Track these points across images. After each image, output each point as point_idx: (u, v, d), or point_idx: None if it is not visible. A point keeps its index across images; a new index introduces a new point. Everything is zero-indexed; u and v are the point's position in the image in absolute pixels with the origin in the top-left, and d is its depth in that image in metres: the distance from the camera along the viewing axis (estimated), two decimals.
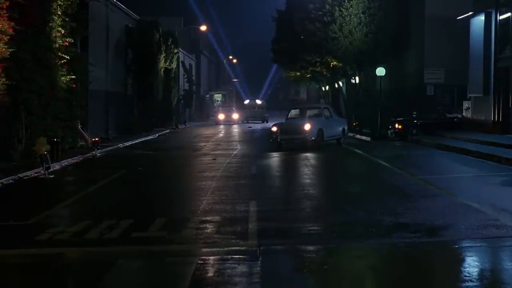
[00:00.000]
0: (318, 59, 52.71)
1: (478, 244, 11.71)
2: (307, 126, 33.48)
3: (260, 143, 40.97)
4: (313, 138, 33.35)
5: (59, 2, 30.49)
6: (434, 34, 42.57)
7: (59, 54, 30.81)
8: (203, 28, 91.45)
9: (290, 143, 34.35)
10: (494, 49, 36.78)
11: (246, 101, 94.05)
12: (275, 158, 29.78)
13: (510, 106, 35.16)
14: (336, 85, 62.04)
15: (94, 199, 18.83)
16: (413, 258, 10.88)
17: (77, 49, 35.47)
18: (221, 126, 71.61)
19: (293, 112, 37.83)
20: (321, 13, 48.51)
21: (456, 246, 11.65)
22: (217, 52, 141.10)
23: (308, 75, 62.84)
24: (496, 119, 36.73)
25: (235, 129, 63.00)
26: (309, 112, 36.85)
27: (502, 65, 36.15)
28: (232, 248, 11.71)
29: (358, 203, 16.26)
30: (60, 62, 30.94)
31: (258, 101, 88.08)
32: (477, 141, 32.03)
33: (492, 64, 36.99)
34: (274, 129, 37.88)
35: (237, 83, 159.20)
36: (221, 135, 53.19)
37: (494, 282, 9.46)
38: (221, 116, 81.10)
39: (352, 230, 13.02)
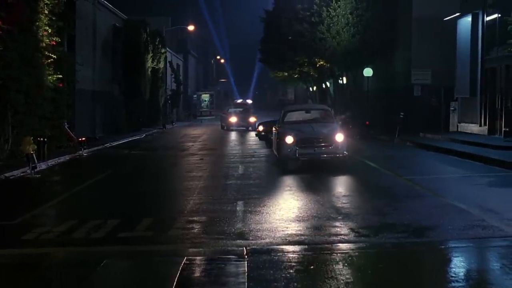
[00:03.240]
0: (306, 60, 52.78)
1: (465, 245, 11.74)
2: (340, 137, 23.28)
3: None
4: (345, 153, 23.18)
5: (46, 1, 30.32)
6: (421, 35, 42.61)
7: (46, 53, 30.65)
8: (191, 28, 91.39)
9: (310, 159, 23.56)
10: (481, 50, 36.85)
11: (239, 101, 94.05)
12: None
13: (497, 107, 35.25)
14: (324, 86, 62.10)
15: (80, 199, 18.76)
16: (400, 259, 10.88)
17: (64, 48, 35.32)
18: (219, 130, 62.85)
19: (296, 115, 26.40)
20: (308, 13, 48.59)
21: (443, 247, 11.68)
22: (205, 52, 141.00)
23: (296, 76, 62.91)
24: (483, 120, 36.82)
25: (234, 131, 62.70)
26: (320, 115, 26.30)
27: (489, 66, 36.25)
28: (219, 248, 11.70)
29: (344, 204, 16.27)
30: (47, 61, 30.78)
31: (249, 101, 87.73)
32: (464, 141, 32.10)
33: (479, 65, 37.05)
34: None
35: (225, 83, 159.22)
36: (208, 136, 53.07)
37: (481, 283, 9.48)
38: (233, 119, 59.65)
39: (339, 230, 13.01)
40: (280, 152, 24.08)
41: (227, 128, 59.75)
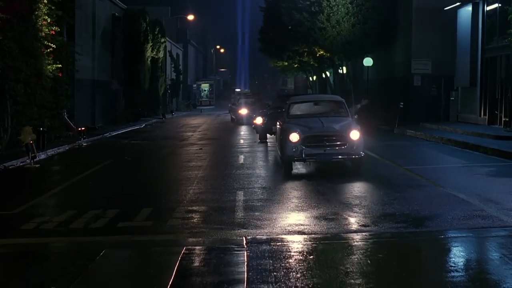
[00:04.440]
0: (306, 49, 52.62)
1: (464, 235, 11.73)
2: (355, 134, 19.39)
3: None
4: (361, 153, 19.52)
5: None
6: (422, 24, 42.49)
7: (45, 43, 30.63)
8: (191, 17, 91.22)
9: (318, 161, 20.55)
10: (481, 40, 36.81)
11: (238, 89, 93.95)
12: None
13: (497, 97, 35.20)
14: (324, 75, 62.00)
15: (80, 188, 18.75)
16: (399, 248, 10.88)
17: (64, 38, 35.27)
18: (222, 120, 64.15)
19: (303, 107, 22.39)
20: (308, 3, 48.41)
21: (442, 236, 11.67)
22: (205, 41, 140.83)
23: (296, 65, 62.78)
24: (483, 110, 36.79)
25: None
26: (332, 107, 22.15)
27: (489, 56, 36.19)
28: (218, 237, 11.70)
29: (344, 193, 16.28)
30: (46, 51, 30.77)
31: (247, 90, 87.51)
32: (464, 131, 32.09)
33: (479, 55, 37.01)
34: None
35: (224, 73, 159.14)
36: (208, 126, 53.03)
37: (480, 272, 9.47)
38: (243, 111, 51.37)
39: (339, 220, 13.01)
40: (283, 152, 20.03)
41: (238, 121, 51.91)
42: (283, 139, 20.16)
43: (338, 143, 19.26)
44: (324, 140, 19.31)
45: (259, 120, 33.81)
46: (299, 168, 21.39)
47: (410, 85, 42.63)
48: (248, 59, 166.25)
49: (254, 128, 35.55)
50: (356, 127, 19.68)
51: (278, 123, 22.96)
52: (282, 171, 20.37)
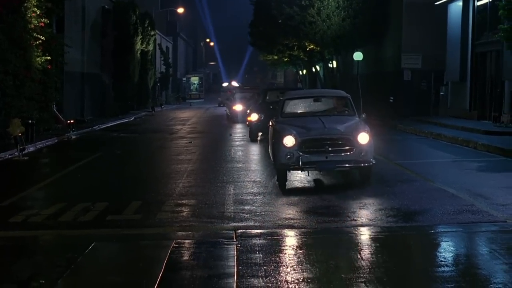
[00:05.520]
0: (296, 43, 52.53)
1: (454, 229, 11.73)
2: (364, 137, 16.02)
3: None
4: (372, 161, 16.10)
5: None
6: (412, 19, 42.48)
7: (35, 35, 30.46)
8: (180, 10, 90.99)
9: (319, 170, 17.03)
10: (472, 35, 36.86)
11: (225, 84, 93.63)
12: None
13: (487, 92, 35.27)
14: (314, 69, 61.97)
15: (69, 181, 18.68)
16: (389, 243, 10.85)
17: (53, 30, 35.07)
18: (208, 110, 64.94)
19: (301, 105, 18.95)
20: None
21: (432, 231, 11.67)
22: (195, 35, 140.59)
23: (286, 59, 62.62)
24: (473, 105, 36.85)
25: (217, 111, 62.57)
26: (335, 104, 18.70)
27: (479, 51, 36.24)
28: (208, 231, 11.67)
29: (334, 188, 16.27)
30: (35, 43, 30.60)
31: (235, 84, 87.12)
32: (454, 126, 32.11)
33: (469, 50, 37.07)
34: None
35: (214, 66, 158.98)
36: (197, 119, 52.96)
37: (470, 267, 9.47)
38: (238, 107, 44.30)
39: (329, 214, 12.99)
40: (275, 159, 16.50)
41: (232, 118, 45.53)
42: (275, 143, 16.64)
43: (343, 148, 15.83)
44: (326, 144, 15.77)
45: (254, 117, 29.53)
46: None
47: (400, 79, 42.64)
48: (238, 53, 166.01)
49: (248, 126, 31.14)
50: (364, 128, 16.24)
51: (270, 123, 19.21)
52: (273, 182, 16.96)
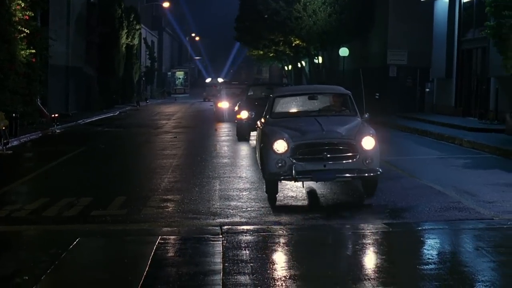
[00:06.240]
0: (282, 38, 52.53)
1: (441, 227, 11.69)
2: (369, 142, 13.79)
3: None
4: (378, 170, 13.77)
5: None
6: (398, 15, 42.47)
7: (19, 27, 30.23)
8: (166, 4, 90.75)
9: (316, 181, 14.59)
10: (458, 32, 36.88)
11: (208, 79, 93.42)
12: None
13: (472, 89, 35.31)
14: (299, 65, 61.94)
15: (53, 176, 18.52)
16: (376, 240, 10.79)
17: (38, 23, 34.86)
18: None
19: (294, 103, 16.50)
20: None
21: (420, 228, 11.63)
22: (180, 29, 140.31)
23: (271, 54, 62.64)
24: (458, 102, 36.89)
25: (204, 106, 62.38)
26: (333, 103, 16.54)
27: (465, 48, 36.27)
28: (194, 227, 11.58)
29: (321, 184, 16.20)
30: (19, 36, 30.37)
31: (220, 80, 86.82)
32: (439, 123, 32.12)
33: (455, 47, 37.08)
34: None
35: (199, 61, 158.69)
36: (182, 114, 52.82)
37: (457, 265, 9.42)
38: (224, 104, 39.80)
39: (316, 210, 12.93)
40: (265, 167, 14.10)
41: (218, 117, 40.82)
42: (264, 148, 14.26)
43: (345, 155, 13.59)
44: (324, 150, 13.50)
45: (244, 114, 26.92)
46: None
47: (386, 75, 42.63)
48: (223, 48, 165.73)
49: (236, 123, 28.38)
50: (369, 131, 14.10)
51: (257, 125, 16.99)
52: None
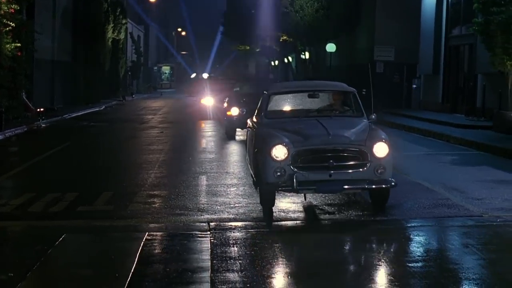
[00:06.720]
0: (268, 34, 52.47)
1: (430, 224, 11.64)
2: (382, 148, 12.10)
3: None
4: (392, 181, 12.00)
5: None
6: (386, 11, 42.46)
7: (4, 21, 29.98)
8: None
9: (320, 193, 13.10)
10: (445, 28, 36.91)
11: (193, 75, 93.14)
12: None
13: (459, 85, 35.35)
14: (286, 60, 61.90)
15: (38, 171, 18.37)
16: (364, 237, 10.72)
17: (23, 16, 34.58)
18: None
19: (291, 102, 14.62)
20: None
21: (408, 225, 11.57)
22: (167, 24, 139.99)
23: (258, 50, 62.64)
24: (446, 98, 36.92)
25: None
26: (336, 102, 14.64)
27: (452, 44, 36.30)
28: (181, 223, 11.47)
29: None
30: (5, 29, 30.13)
31: (206, 75, 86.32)
32: (426, 119, 32.14)
33: (442, 43, 37.13)
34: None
35: (186, 56, 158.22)
36: (168, 109, 52.68)
37: (446, 262, 9.36)
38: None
39: (304, 207, 12.85)
40: (260, 176, 12.30)
41: (203, 115, 38.68)
42: (259, 153, 12.42)
43: (354, 163, 11.93)
44: (330, 158, 11.79)
45: (234, 111, 25.30)
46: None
47: (373, 71, 42.59)
48: (210, 43, 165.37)
49: (226, 120, 27.08)
50: (381, 136, 12.49)
51: (249, 125, 15.12)
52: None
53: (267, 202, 12.24)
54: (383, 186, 11.97)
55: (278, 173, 11.68)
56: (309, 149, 11.87)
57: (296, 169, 11.68)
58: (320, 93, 14.47)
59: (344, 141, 11.99)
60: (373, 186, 11.90)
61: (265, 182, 11.88)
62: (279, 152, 11.70)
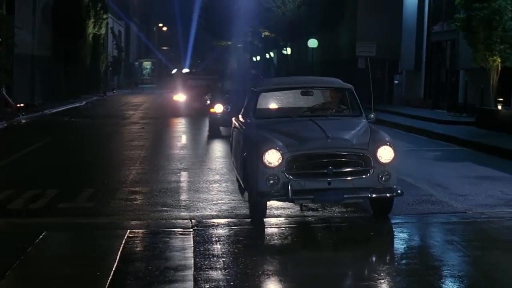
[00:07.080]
0: (250, 29, 52.38)
1: (414, 220, 11.59)
2: (387, 151, 11.05)
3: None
4: (398, 190, 10.99)
5: None
6: (367, 6, 42.48)
7: None
8: None
9: (318, 203, 11.95)
10: (427, 24, 36.96)
11: (174, 70, 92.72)
12: None
13: (441, 81, 35.41)
14: (268, 56, 61.84)
15: (18, 167, 18.19)
16: (349, 234, 10.65)
17: (3, 11, 34.31)
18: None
19: (283, 99, 13.40)
20: None
21: (392, 222, 11.45)
22: (148, 19, 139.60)
23: (239, 45, 62.55)
24: (428, 94, 36.97)
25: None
26: (333, 100, 13.44)
27: (434, 40, 36.34)
28: (163, 220, 11.34)
29: None
30: None
31: (186, 70, 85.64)
32: (408, 115, 32.15)
33: (424, 39, 37.18)
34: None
35: (167, 51, 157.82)
36: (149, 104, 52.50)
37: (431, 259, 9.28)
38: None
39: (287, 205, 12.74)
40: (250, 184, 11.30)
41: (175, 111, 36.89)
42: (249, 158, 11.36)
43: (355, 169, 10.83)
44: (329, 163, 10.66)
45: (218, 108, 24.11)
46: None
47: (355, 67, 42.60)
48: (191, 38, 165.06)
49: (209, 117, 26.17)
50: (385, 138, 11.28)
51: (234, 125, 14.00)
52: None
53: (258, 212, 11.22)
54: (388, 195, 10.91)
55: (271, 181, 10.56)
56: (306, 154, 10.74)
57: (291, 177, 10.59)
58: (314, 90, 13.27)
59: (344, 145, 10.85)
60: (377, 195, 10.82)
61: (257, 191, 10.74)
62: (272, 157, 10.56)
